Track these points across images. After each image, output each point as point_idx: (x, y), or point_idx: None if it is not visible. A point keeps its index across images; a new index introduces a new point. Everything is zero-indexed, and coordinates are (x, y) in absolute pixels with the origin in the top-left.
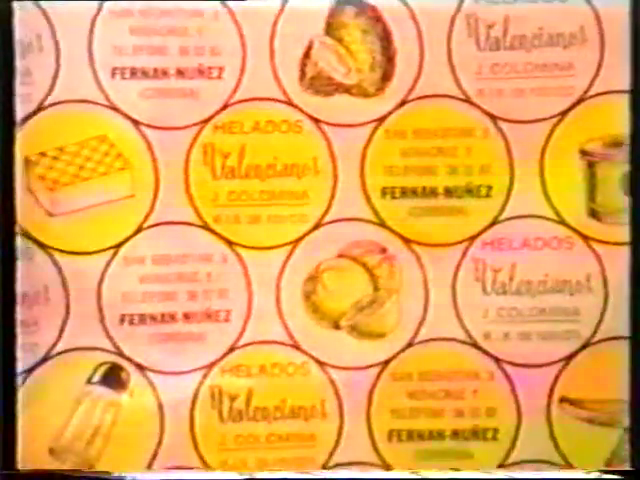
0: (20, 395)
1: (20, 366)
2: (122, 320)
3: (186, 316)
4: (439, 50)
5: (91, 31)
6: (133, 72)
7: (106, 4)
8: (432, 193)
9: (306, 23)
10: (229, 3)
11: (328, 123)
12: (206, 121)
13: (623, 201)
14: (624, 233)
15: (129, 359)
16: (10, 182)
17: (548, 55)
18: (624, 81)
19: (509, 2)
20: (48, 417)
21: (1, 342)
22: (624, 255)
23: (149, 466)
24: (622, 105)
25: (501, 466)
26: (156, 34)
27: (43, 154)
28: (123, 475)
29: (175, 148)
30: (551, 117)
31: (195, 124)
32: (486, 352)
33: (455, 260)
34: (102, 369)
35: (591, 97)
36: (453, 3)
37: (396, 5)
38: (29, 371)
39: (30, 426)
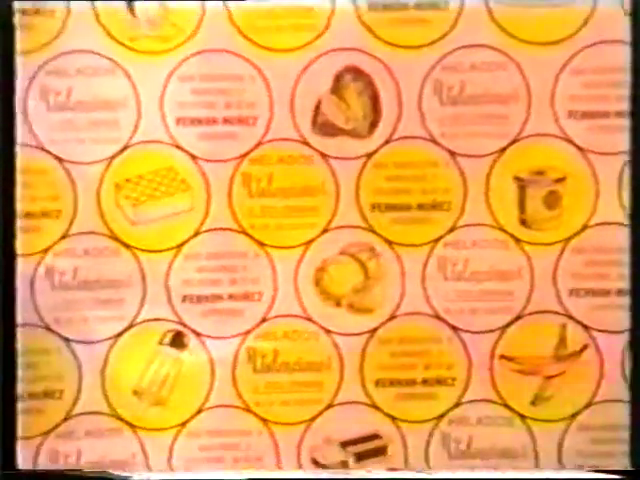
0: (112, 353)
1: (111, 332)
2: (184, 299)
3: (230, 296)
4: (413, 105)
5: (163, 92)
6: (192, 121)
7: (176, 73)
8: (408, 208)
9: (318, 85)
10: (266, 73)
11: (333, 157)
12: (244, 156)
13: (545, 213)
14: (546, 236)
15: (189, 327)
16: (10, 181)
17: (491, 109)
18: (548, 127)
19: (466, 71)
20: (131, 369)
21: (1, 343)
22: (546, 252)
23: (203, 404)
24: (545, 145)
25: (457, 404)
26: (209, 93)
27: (128, 180)
28: (126, 475)
29: (222, 175)
30: (492, 153)
31: (236, 158)
32: (447, 322)
33: (424, 256)
34: (169, 335)
35: (522, 139)
36: (424, 71)
37: (383, 73)
38: (118, 336)
39: (118, 376)
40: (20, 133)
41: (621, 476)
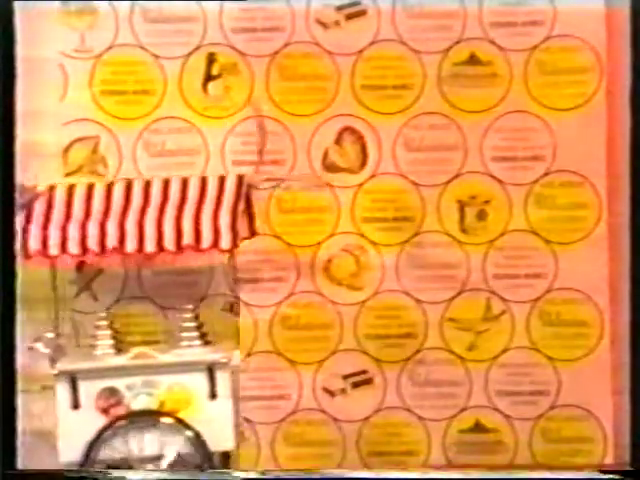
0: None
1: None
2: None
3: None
4: (389, 151)
5: (223, 144)
6: (242, 162)
7: (233, 131)
8: (385, 220)
9: (326, 138)
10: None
11: (336, 186)
12: (275, 187)
13: (477, 224)
14: (478, 239)
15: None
16: (10, 183)
17: (441, 154)
18: (478, 166)
19: (425, 129)
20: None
21: (0, 345)
22: (478, 250)
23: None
24: (476, 178)
25: (418, 350)
26: (253, 144)
27: None
28: (123, 475)
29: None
30: (442, 183)
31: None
32: (412, 296)
33: (398, 254)
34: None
35: (462, 174)
36: (397, 129)
37: (369, 131)
38: None
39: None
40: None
41: (621, 476)
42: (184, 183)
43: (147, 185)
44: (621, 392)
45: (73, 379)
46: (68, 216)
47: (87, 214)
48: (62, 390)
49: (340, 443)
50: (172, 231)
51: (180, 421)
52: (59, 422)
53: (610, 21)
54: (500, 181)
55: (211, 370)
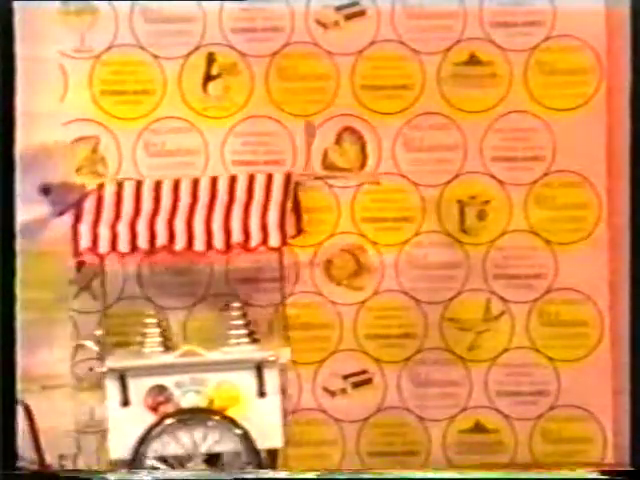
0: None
1: None
2: None
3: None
4: (389, 151)
5: (223, 143)
6: (242, 162)
7: (233, 131)
8: (385, 220)
9: (326, 138)
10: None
11: (336, 186)
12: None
13: (477, 224)
14: (478, 239)
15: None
16: (10, 186)
17: (441, 154)
18: (479, 167)
19: (425, 129)
20: None
21: (0, 349)
22: (478, 250)
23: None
24: (476, 179)
25: (419, 351)
26: (254, 145)
27: None
28: (124, 475)
29: None
30: (442, 184)
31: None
32: (411, 296)
33: (397, 253)
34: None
35: (462, 174)
36: (397, 129)
37: (369, 131)
38: None
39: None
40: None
41: (621, 476)
42: (232, 181)
43: (195, 183)
44: (621, 392)
45: (122, 377)
46: (118, 214)
47: (137, 212)
48: (112, 387)
49: (340, 443)
50: (221, 230)
51: (229, 419)
52: (109, 419)
53: (610, 21)
54: (500, 181)
55: (259, 368)
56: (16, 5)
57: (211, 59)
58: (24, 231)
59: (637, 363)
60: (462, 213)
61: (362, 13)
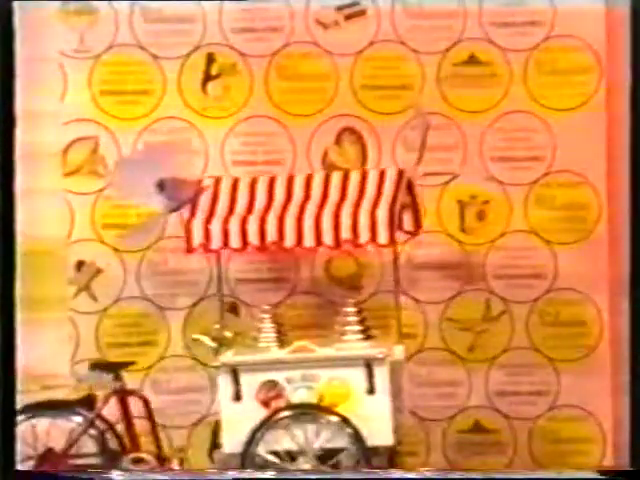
0: None
1: None
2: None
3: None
4: (388, 152)
5: (223, 144)
6: (241, 162)
7: (233, 131)
8: None
9: (326, 138)
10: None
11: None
12: None
13: (477, 224)
14: (478, 239)
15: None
16: (10, 186)
17: (440, 154)
18: (478, 167)
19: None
20: None
21: (1, 355)
22: (478, 250)
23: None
24: (476, 179)
25: (420, 351)
26: (253, 145)
27: None
28: (125, 475)
29: None
30: (441, 184)
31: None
32: (410, 295)
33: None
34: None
35: (456, 177)
36: (396, 129)
37: (369, 131)
38: None
39: None
40: None
41: (621, 476)
42: (345, 177)
43: (308, 179)
44: (621, 392)
45: (234, 371)
46: (231, 210)
47: (249, 208)
48: (224, 382)
49: None
50: (330, 226)
51: (339, 416)
52: (222, 414)
53: (610, 21)
54: (500, 181)
55: (369, 365)
56: (16, 5)
57: (211, 59)
58: (139, 228)
59: (637, 363)
60: (462, 213)
61: (362, 13)
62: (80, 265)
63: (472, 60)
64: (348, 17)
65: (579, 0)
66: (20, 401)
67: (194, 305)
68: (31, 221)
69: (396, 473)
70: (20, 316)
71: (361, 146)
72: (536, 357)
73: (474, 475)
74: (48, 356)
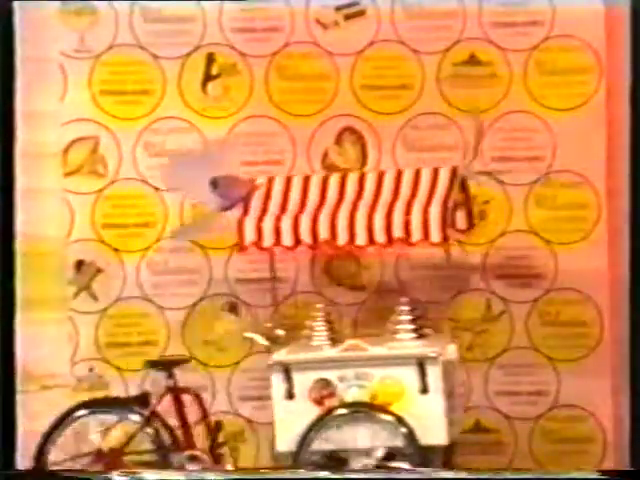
0: None
1: None
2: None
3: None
4: (388, 151)
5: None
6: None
7: (233, 131)
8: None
9: (326, 138)
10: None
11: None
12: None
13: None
14: (478, 239)
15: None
16: (10, 185)
17: (440, 154)
18: (478, 167)
19: (424, 129)
20: None
21: (1, 355)
22: (478, 250)
23: None
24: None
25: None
26: (254, 145)
27: None
28: (123, 475)
29: None
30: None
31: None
32: (411, 296)
33: (396, 254)
34: None
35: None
36: (396, 129)
37: (369, 131)
38: None
39: None
40: None
41: (621, 476)
42: (398, 176)
43: (362, 178)
44: (621, 392)
45: (287, 370)
46: (284, 208)
47: (302, 206)
48: (277, 381)
49: None
50: (383, 224)
51: (394, 415)
52: (275, 412)
53: (610, 21)
54: (500, 181)
55: (422, 364)
56: (16, 5)
57: (211, 59)
58: (192, 225)
59: (637, 363)
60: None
61: (362, 13)
62: (80, 265)
63: (472, 60)
64: (348, 17)
65: (579, 0)
66: (20, 401)
67: (194, 305)
68: (31, 221)
69: (448, 473)
70: (20, 316)
71: (361, 146)
72: (536, 357)
73: (474, 475)
74: (48, 356)
